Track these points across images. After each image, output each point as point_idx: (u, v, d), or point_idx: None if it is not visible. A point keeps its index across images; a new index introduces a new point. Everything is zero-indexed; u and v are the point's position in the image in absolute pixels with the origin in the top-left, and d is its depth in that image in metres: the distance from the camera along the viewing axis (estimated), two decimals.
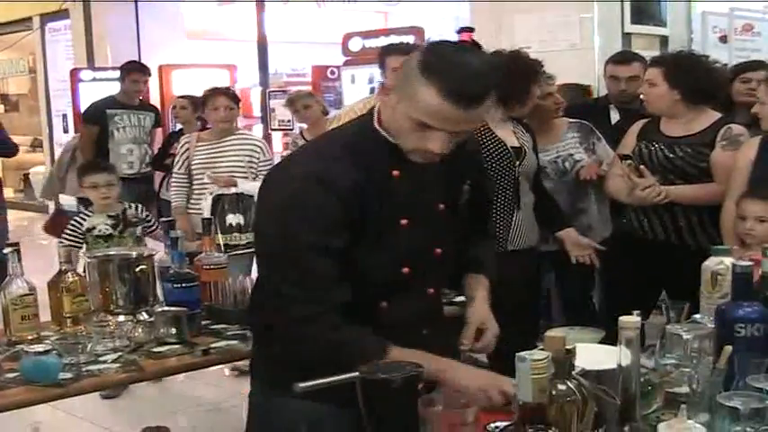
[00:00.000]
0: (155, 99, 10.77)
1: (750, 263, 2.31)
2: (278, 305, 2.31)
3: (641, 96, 4.49)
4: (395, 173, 2.33)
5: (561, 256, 4.74)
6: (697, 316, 2.77)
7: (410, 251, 2.38)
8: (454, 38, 5.56)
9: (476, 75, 2.17)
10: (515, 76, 4.45)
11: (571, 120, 5.05)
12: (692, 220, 4.34)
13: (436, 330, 2.55)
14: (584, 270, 4.82)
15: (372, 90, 8.80)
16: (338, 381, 2.20)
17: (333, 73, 9.94)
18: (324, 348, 2.26)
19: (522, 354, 1.55)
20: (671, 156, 4.38)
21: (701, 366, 2.29)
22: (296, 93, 7.42)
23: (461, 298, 4.03)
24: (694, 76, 4.40)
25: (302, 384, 2.17)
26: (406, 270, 2.38)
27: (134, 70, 8.53)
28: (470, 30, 7.02)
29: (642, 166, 4.32)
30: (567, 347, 1.73)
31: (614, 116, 5.47)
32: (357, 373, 2.11)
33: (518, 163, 4.46)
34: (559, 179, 4.88)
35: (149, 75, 8.66)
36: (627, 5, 6.34)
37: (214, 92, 6.12)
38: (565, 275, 5.08)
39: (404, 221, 2.35)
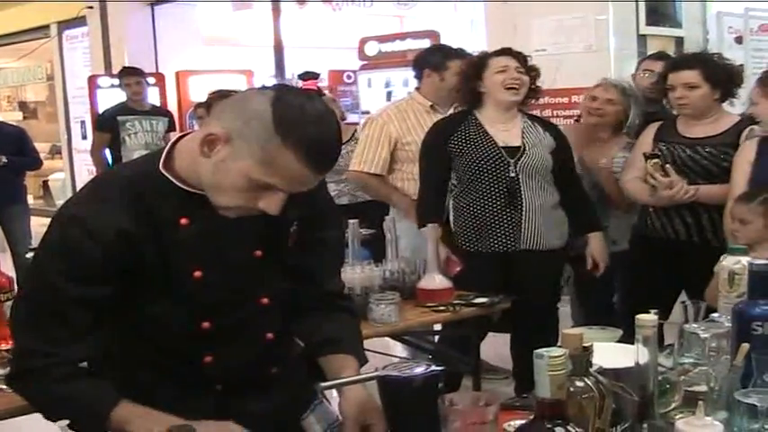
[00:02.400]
0: (172, 104, 10.83)
1: (765, 261, 2.33)
2: (15, 351, 2.17)
3: (676, 98, 4.46)
4: (183, 221, 2.10)
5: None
6: (714, 315, 2.78)
7: (210, 306, 2.17)
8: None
9: (332, 137, 2.00)
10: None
11: (630, 140, 5.02)
12: (714, 219, 4.35)
13: (287, 368, 2.38)
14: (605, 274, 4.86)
15: (390, 94, 8.84)
16: (359, 380, 2.23)
17: (349, 77, 9.98)
18: (48, 401, 2.10)
19: (540, 350, 1.57)
20: (695, 156, 4.40)
21: (719, 365, 2.31)
22: None
23: (482, 299, 4.12)
24: (731, 76, 4.45)
25: (323, 384, 2.20)
26: (206, 325, 2.17)
27: (125, 75, 8.64)
28: (315, 76, 7.07)
29: (668, 165, 4.35)
30: (585, 345, 1.76)
31: None
32: (377, 373, 2.14)
33: (513, 161, 4.49)
34: (590, 189, 4.91)
35: (143, 76, 8.71)
36: (642, 7, 6.35)
37: (220, 96, 6.14)
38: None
39: (197, 274, 2.13)
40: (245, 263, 2.20)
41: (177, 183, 2.09)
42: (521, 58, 4.66)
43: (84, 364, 2.08)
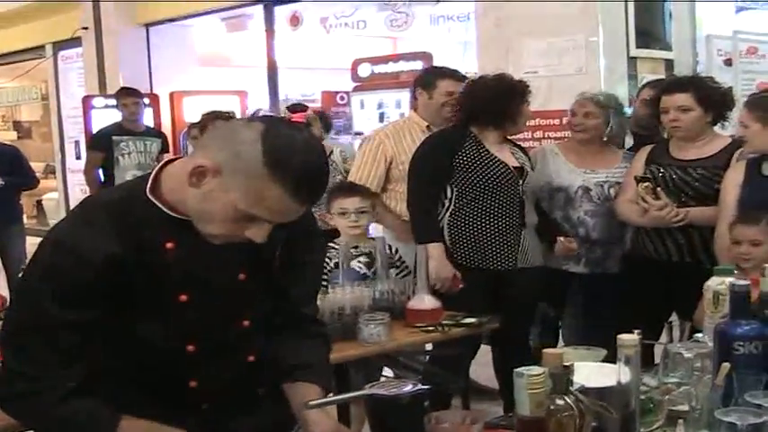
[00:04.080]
0: (166, 125, 10.86)
1: (747, 282, 2.36)
2: (3, 374, 2.14)
3: (669, 121, 4.51)
4: (169, 245, 2.11)
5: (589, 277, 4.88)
6: (699, 335, 2.81)
7: (195, 329, 2.18)
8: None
9: (321, 171, 2.02)
10: (504, 96, 4.60)
11: (629, 151, 5.12)
12: (706, 239, 4.39)
13: (273, 388, 2.36)
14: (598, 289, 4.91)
15: (383, 115, 8.87)
16: (348, 398, 2.26)
17: (342, 98, 10.02)
18: (47, 424, 2.14)
19: (520, 369, 1.60)
20: (687, 178, 4.45)
21: (702, 384, 2.34)
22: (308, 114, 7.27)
23: (471, 320, 4.17)
24: (722, 99, 4.51)
25: (312, 402, 2.22)
26: (191, 348, 2.18)
27: (122, 95, 8.65)
28: (303, 109, 7.08)
29: (659, 188, 4.40)
30: (565, 363, 1.78)
31: (628, 142, 5.51)
32: (366, 391, 2.17)
33: (521, 182, 4.60)
34: (602, 203, 4.95)
35: (140, 96, 8.72)
36: (632, 29, 6.39)
37: (214, 117, 6.16)
38: (578, 295, 5.14)
39: (183, 297, 2.14)
40: (230, 286, 2.21)
41: (164, 209, 2.10)
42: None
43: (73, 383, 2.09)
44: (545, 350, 1.79)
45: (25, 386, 2.08)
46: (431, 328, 4.05)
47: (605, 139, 5.06)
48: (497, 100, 4.66)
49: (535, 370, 1.59)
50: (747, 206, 4.06)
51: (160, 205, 2.10)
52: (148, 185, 2.11)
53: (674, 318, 4.60)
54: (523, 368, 1.59)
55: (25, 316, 2.11)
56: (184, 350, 2.18)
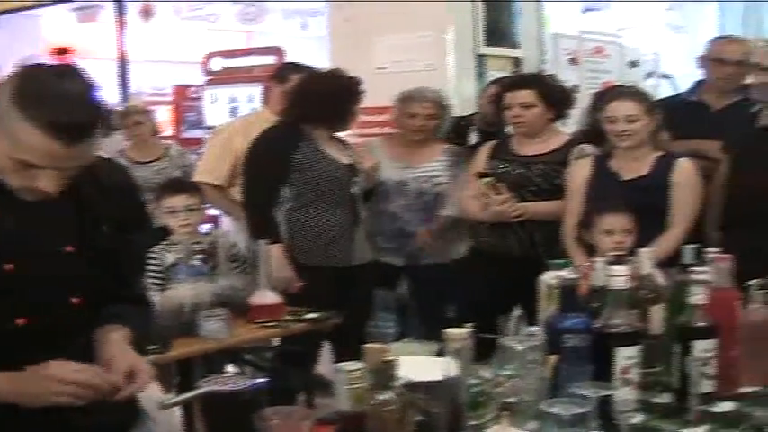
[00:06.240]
0: None
1: (576, 275, 2.40)
2: None
3: (512, 117, 4.57)
4: None
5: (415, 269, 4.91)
6: (533, 328, 2.85)
7: (22, 300, 2.11)
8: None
9: (77, 105, 1.97)
10: (335, 95, 4.60)
11: (449, 146, 5.17)
12: (547, 234, 4.45)
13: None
14: (440, 284, 4.97)
15: (235, 110, 8.78)
16: (191, 397, 2.22)
17: (194, 92, 9.86)
18: None
19: (339, 364, 1.59)
20: (528, 174, 4.51)
21: (533, 376, 2.36)
22: (132, 106, 7.10)
23: (313, 315, 4.16)
24: (564, 96, 4.60)
25: (165, 402, 2.19)
26: (20, 321, 2.11)
27: None
28: (66, 51, 7.01)
29: (500, 184, 4.45)
30: (386, 358, 1.78)
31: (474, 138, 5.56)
32: (203, 389, 2.13)
33: (352, 179, 4.61)
34: (417, 198, 4.98)
35: None
36: (481, 27, 6.45)
37: None
38: (420, 289, 5.19)
39: (8, 266, 2.08)
40: (57, 258, 2.17)
41: None
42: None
43: None
44: (367, 345, 1.78)
45: None
46: (272, 324, 4.02)
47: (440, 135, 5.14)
48: (329, 99, 4.66)
49: (353, 365, 1.58)
50: (595, 201, 4.14)
51: None
52: None
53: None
54: (342, 363, 1.58)
55: None
56: (14, 324, 2.10)
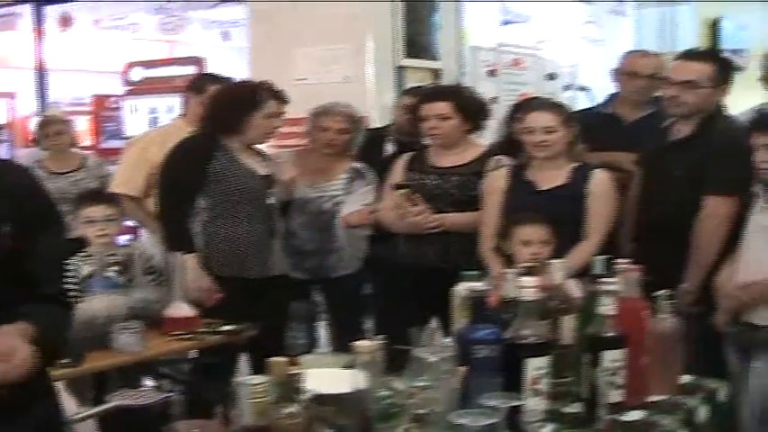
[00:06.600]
0: None
1: (486, 287, 2.42)
2: None
3: (429, 128, 4.59)
4: None
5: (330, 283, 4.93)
6: (447, 339, 2.86)
7: None
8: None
9: None
10: (231, 105, 4.60)
11: (355, 164, 5.17)
12: (463, 245, 4.47)
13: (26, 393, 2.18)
14: (356, 296, 4.99)
15: (155, 120, 8.70)
16: (99, 411, 2.20)
17: (114, 102, 9.76)
18: None
19: (241, 378, 1.58)
20: (444, 185, 4.54)
21: (445, 387, 2.38)
22: (51, 116, 7.03)
23: (228, 327, 4.14)
24: (481, 108, 4.64)
25: (75, 417, 2.16)
26: None
27: None
28: None
29: (416, 195, 4.47)
30: (291, 371, 1.77)
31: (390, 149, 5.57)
32: (113, 403, 2.11)
33: (269, 190, 4.60)
34: (316, 217, 5.01)
35: None
36: (400, 39, 6.48)
37: None
38: (335, 301, 5.20)
39: None
40: None
41: None
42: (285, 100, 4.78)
43: None
44: (271, 359, 1.78)
45: None
46: (188, 337, 4.00)
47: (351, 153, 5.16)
48: (227, 109, 4.66)
49: (256, 379, 1.57)
50: (511, 211, 4.17)
51: None
52: None
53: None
54: (245, 377, 1.57)
55: None
56: None
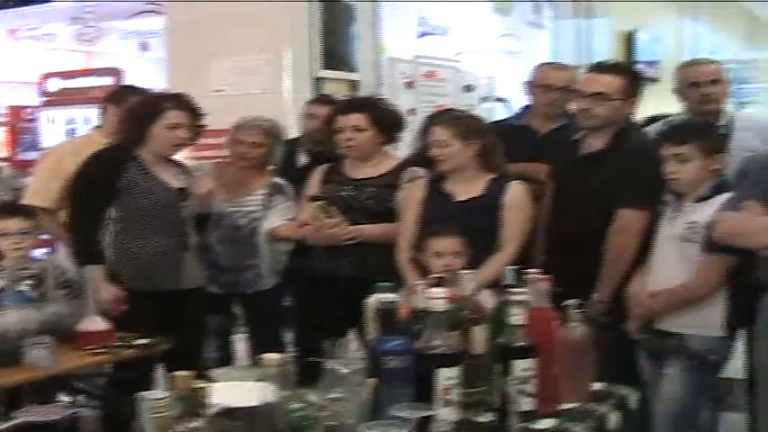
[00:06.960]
0: None
1: (396, 298, 2.44)
2: None
3: (344, 140, 4.60)
4: None
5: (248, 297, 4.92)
6: (359, 351, 2.87)
7: None
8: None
9: None
10: (135, 115, 4.61)
11: (275, 179, 5.16)
12: (379, 256, 4.48)
13: None
14: (275, 309, 4.98)
15: (73, 131, 8.60)
16: (6, 428, 2.17)
17: (30, 114, 9.63)
18: None
19: (143, 393, 1.58)
20: (360, 197, 4.55)
21: (357, 399, 2.39)
22: None
23: (142, 341, 4.11)
24: (395, 120, 4.67)
25: None
26: None
27: None
28: None
29: (332, 207, 4.47)
30: (196, 386, 1.77)
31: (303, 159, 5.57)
32: (18, 420, 2.09)
33: (182, 203, 4.58)
34: (232, 232, 4.99)
35: None
36: (318, 50, 6.50)
37: None
38: (253, 314, 5.19)
39: None
40: None
41: None
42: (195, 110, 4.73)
43: None
44: (175, 373, 1.78)
45: None
46: (101, 351, 3.96)
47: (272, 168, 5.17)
48: (132, 120, 4.65)
49: (158, 393, 1.57)
50: (428, 222, 4.19)
51: None
52: None
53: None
54: (147, 392, 1.57)
55: None
56: None
